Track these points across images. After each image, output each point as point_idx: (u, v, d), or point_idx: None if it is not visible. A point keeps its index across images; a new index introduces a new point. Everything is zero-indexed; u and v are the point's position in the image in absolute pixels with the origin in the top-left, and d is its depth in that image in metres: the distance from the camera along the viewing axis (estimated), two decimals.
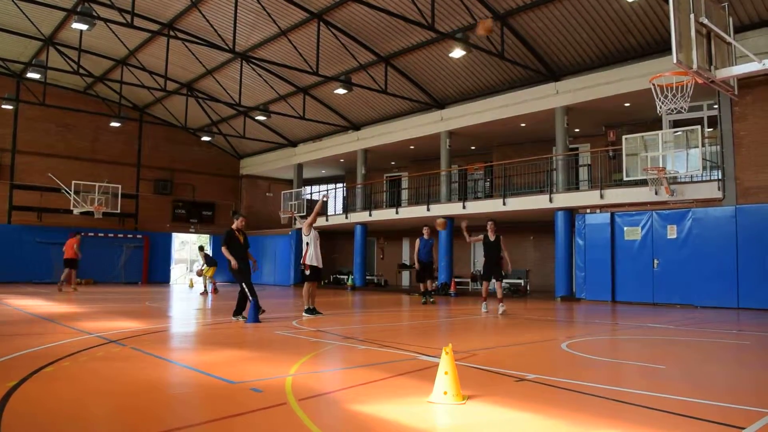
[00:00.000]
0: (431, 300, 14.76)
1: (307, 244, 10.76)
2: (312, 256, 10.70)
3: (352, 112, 25.13)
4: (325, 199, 11.74)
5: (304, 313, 10.79)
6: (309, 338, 7.65)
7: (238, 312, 9.88)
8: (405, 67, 20.85)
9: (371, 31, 19.22)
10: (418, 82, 21.43)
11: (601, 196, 16.54)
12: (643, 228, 15.68)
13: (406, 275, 27.64)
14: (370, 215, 24.01)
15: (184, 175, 30.78)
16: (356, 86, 20.04)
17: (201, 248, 20.11)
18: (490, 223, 11.94)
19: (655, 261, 15.35)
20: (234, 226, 10.12)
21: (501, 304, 11.54)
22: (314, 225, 10.93)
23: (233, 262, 9.68)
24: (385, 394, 4.37)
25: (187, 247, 37.45)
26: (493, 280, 11.84)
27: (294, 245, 26.54)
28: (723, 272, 14.07)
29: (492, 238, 11.78)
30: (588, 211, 16.94)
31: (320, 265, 10.88)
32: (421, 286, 15.02)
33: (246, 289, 9.66)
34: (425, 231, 14.87)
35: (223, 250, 9.76)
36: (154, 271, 28.98)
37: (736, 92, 7.21)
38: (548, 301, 16.99)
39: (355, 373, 5.39)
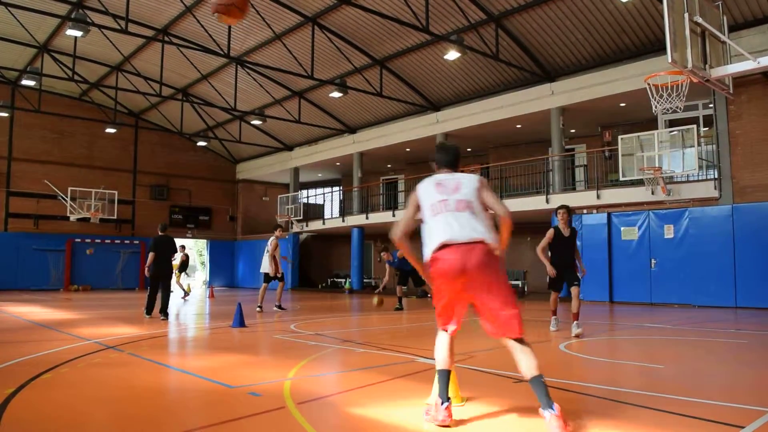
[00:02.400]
0: (428, 295, 14.35)
1: (274, 257, 13.27)
2: (271, 266, 13.29)
3: (347, 115, 25.14)
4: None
5: (275, 309, 13.26)
6: (307, 342, 7.63)
7: (163, 310, 11.14)
8: (400, 70, 20.88)
9: (366, 34, 19.24)
10: (413, 85, 21.46)
11: (598, 197, 16.56)
12: (639, 228, 15.71)
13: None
14: (367, 218, 24.00)
15: (180, 180, 30.76)
16: (351, 89, 20.04)
17: (182, 247, 19.55)
18: (561, 211, 8.59)
19: (653, 261, 15.37)
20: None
21: (576, 322, 8.25)
22: (304, 231, 12.35)
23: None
24: (383, 397, 4.36)
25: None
26: (565, 287, 9.11)
27: (291, 250, 26.51)
28: (720, 271, 14.09)
29: (566, 232, 8.53)
30: (585, 211, 16.95)
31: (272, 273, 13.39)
32: (398, 289, 14.14)
33: (156, 288, 11.45)
34: None
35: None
36: None
37: (731, 91, 7.21)
38: (546, 302, 16.88)
39: (353, 376, 5.38)
